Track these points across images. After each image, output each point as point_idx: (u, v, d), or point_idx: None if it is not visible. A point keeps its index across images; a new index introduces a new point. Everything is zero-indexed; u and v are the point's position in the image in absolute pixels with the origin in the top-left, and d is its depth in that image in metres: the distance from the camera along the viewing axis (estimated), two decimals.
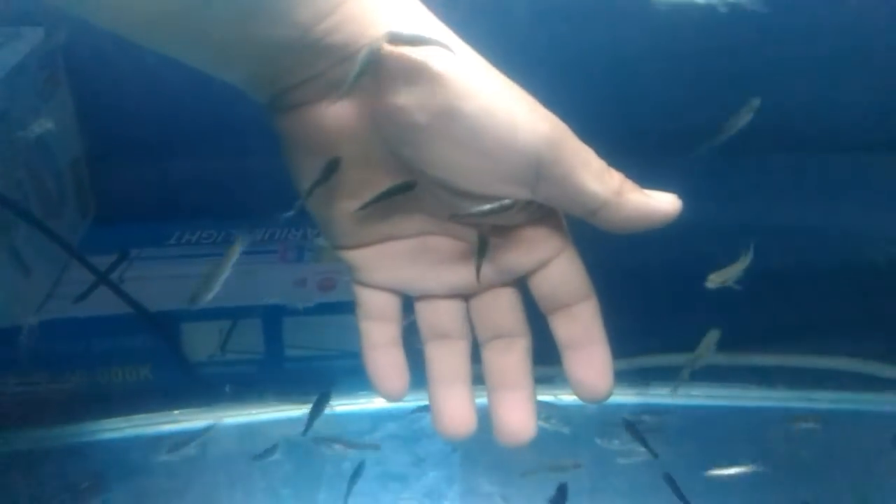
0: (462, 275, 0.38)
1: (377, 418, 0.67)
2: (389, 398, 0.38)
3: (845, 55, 0.69)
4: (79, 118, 0.70)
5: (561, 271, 0.37)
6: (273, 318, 0.66)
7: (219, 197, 0.72)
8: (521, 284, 0.38)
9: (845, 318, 0.71)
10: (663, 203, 0.34)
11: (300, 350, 0.68)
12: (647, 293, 0.70)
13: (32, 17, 0.64)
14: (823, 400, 0.71)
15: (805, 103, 0.71)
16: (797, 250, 0.73)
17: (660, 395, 0.69)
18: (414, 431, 0.67)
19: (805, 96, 0.70)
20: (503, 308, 0.38)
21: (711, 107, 0.71)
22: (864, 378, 0.72)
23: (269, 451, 0.60)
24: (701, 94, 0.71)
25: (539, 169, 0.33)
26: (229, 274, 0.66)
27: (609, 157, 0.35)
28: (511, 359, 0.37)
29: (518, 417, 0.37)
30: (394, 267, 0.38)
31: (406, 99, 0.32)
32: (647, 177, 0.36)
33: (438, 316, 0.38)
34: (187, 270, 0.68)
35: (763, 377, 0.72)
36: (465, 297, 0.39)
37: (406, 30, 0.32)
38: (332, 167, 0.35)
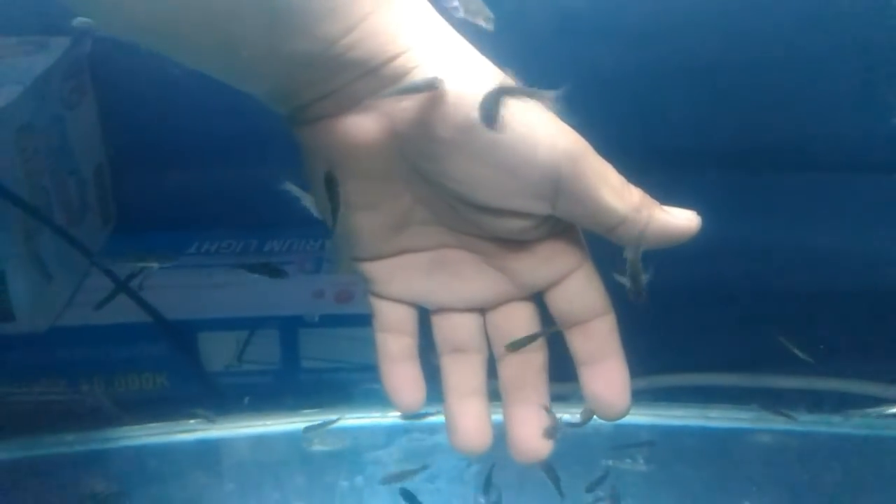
0: (479, 288, 0.37)
1: (392, 432, 0.67)
2: (405, 411, 0.38)
3: (870, 75, 0.68)
4: (103, 127, 0.71)
5: (578, 286, 0.36)
6: (290, 329, 0.66)
7: (239, 207, 0.73)
8: (538, 300, 0.38)
9: (868, 341, 0.70)
10: (683, 220, 0.34)
11: (316, 362, 0.68)
12: (666, 312, 0.69)
13: (59, 27, 0.65)
14: (845, 425, 0.69)
15: (828, 123, 0.70)
16: (818, 271, 0.72)
17: (677, 416, 0.68)
18: (429, 446, 0.66)
19: (828, 115, 0.69)
20: (519, 322, 0.37)
21: (733, 125, 0.71)
22: (888, 403, 0.70)
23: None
24: (723, 112, 0.71)
25: (558, 184, 0.33)
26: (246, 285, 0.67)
27: (629, 174, 0.35)
28: (527, 373, 0.37)
29: (534, 432, 0.37)
30: (410, 280, 0.38)
31: (427, 113, 0.32)
32: (667, 194, 0.36)
33: (455, 330, 0.38)
34: (206, 280, 0.68)
35: (783, 401, 0.71)
36: (482, 310, 0.38)
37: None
38: (331, 183, 0.35)
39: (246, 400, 0.55)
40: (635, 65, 0.67)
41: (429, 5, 0.34)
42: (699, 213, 0.35)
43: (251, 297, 0.66)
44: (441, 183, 0.34)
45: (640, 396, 0.69)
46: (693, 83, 0.69)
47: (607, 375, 0.36)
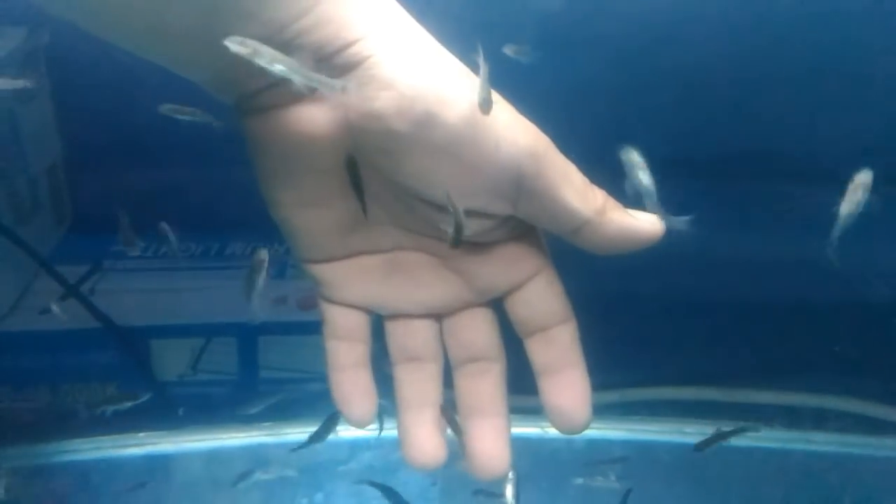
0: (435, 293, 0.35)
1: (354, 447, 0.64)
2: (355, 424, 0.36)
3: (853, 87, 0.68)
4: (59, 123, 0.68)
5: (539, 292, 0.35)
6: (248, 336, 0.64)
7: (200, 208, 0.70)
8: (499, 309, 0.36)
9: (845, 356, 0.69)
10: (646, 223, 0.32)
11: (276, 371, 0.65)
12: (641, 323, 0.68)
13: (14, 16, 0.63)
14: (823, 442, 0.68)
15: (808, 134, 0.69)
16: (797, 285, 0.71)
17: (650, 431, 0.66)
18: (391, 462, 0.64)
19: (809, 126, 0.69)
20: (478, 329, 0.36)
21: (711, 135, 0.70)
22: (865, 420, 0.69)
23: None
24: (701, 122, 0.70)
25: (520, 182, 0.31)
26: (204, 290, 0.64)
27: (607, 183, 0.34)
28: (485, 384, 0.35)
29: (491, 447, 0.35)
30: (364, 283, 0.36)
31: (383, 104, 0.30)
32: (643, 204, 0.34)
33: (409, 337, 0.36)
34: (161, 284, 0.66)
35: (760, 416, 0.69)
36: (438, 317, 0.36)
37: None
38: (352, 166, 0.33)
39: (181, 411, 0.52)
40: (615, 74, 0.66)
41: None
42: (678, 224, 0.33)
43: (208, 302, 0.64)
44: (397, 179, 0.32)
45: (613, 410, 0.67)
46: (673, 93, 0.68)
47: (567, 386, 0.34)
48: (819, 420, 0.69)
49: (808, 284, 0.71)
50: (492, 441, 0.35)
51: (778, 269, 0.71)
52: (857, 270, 0.71)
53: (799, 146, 0.70)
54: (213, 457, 0.62)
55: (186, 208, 0.70)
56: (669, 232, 0.33)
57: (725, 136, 0.71)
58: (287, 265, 0.69)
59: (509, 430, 0.35)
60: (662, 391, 0.70)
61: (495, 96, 0.32)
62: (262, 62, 0.29)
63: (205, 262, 0.69)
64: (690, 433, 0.68)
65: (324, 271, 0.36)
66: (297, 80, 0.29)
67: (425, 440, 0.35)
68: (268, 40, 0.29)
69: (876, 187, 0.69)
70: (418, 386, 0.36)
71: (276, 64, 0.29)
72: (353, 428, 0.38)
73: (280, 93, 0.32)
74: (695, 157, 0.71)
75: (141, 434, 0.60)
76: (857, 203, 0.38)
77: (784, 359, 0.70)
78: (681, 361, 0.69)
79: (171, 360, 0.63)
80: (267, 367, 0.65)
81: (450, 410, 0.35)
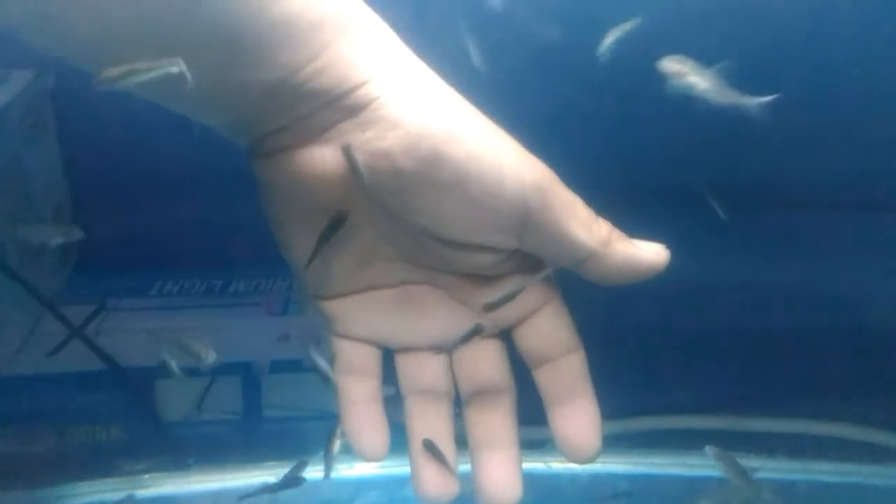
0: (445, 326, 0.36)
1: (359, 485, 0.64)
2: (368, 458, 0.37)
3: (849, 116, 0.69)
4: (64, 165, 0.69)
5: (547, 323, 0.35)
6: (252, 375, 0.64)
7: (203, 246, 0.71)
8: (507, 340, 0.37)
9: (847, 382, 0.69)
10: (650, 254, 0.33)
11: (279, 410, 0.65)
12: (643, 352, 0.68)
13: (22, 60, 0.64)
14: (826, 472, 0.67)
15: (803, 161, 0.70)
16: (797, 311, 0.72)
17: (655, 464, 0.66)
18: (397, 500, 0.63)
19: (804, 154, 0.70)
20: (487, 360, 0.36)
21: (711, 163, 0.71)
22: (870, 448, 0.69)
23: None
24: (700, 150, 0.71)
25: (526, 216, 0.32)
26: (208, 329, 0.64)
27: (606, 212, 0.34)
28: (495, 415, 0.36)
29: (502, 479, 0.35)
30: (374, 318, 0.36)
31: (391, 143, 0.31)
32: (643, 232, 0.35)
33: (420, 370, 0.37)
34: (165, 323, 0.66)
35: (762, 445, 0.69)
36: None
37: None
38: (338, 222, 0.33)
39: (191, 461, 0.52)
40: (613, 102, 0.67)
41: (393, 34, 0.33)
42: (673, 249, 0.34)
43: (212, 341, 0.63)
44: (405, 217, 0.33)
45: (616, 442, 0.67)
46: (671, 120, 0.69)
47: (577, 416, 0.35)
48: (821, 448, 0.69)
49: (810, 310, 0.71)
50: (502, 471, 0.35)
51: (780, 296, 0.71)
52: (861, 295, 0.71)
53: (801, 174, 0.71)
54: (219, 497, 0.61)
55: (189, 246, 0.71)
56: (671, 260, 0.34)
57: (724, 165, 0.71)
58: (290, 302, 0.69)
59: (520, 461, 0.35)
60: (663, 420, 0.70)
61: (500, 132, 0.33)
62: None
63: (208, 300, 0.70)
64: (694, 465, 0.67)
65: (334, 307, 0.36)
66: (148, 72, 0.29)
67: (437, 474, 0.35)
68: (281, 84, 0.31)
69: (878, 213, 0.70)
70: (429, 420, 0.36)
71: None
72: (363, 463, 0.38)
73: (291, 134, 0.32)
74: (695, 186, 0.72)
75: (146, 476, 0.60)
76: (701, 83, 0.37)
77: (788, 386, 0.70)
78: (683, 390, 0.69)
79: (176, 399, 0.62)
80: (269, 405, 0.64)
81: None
